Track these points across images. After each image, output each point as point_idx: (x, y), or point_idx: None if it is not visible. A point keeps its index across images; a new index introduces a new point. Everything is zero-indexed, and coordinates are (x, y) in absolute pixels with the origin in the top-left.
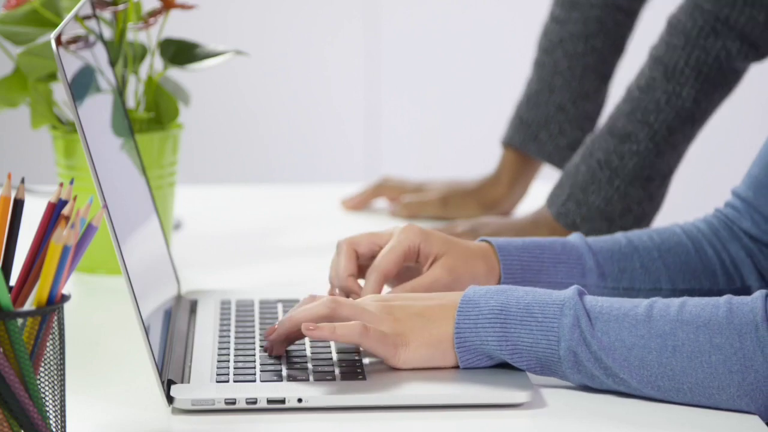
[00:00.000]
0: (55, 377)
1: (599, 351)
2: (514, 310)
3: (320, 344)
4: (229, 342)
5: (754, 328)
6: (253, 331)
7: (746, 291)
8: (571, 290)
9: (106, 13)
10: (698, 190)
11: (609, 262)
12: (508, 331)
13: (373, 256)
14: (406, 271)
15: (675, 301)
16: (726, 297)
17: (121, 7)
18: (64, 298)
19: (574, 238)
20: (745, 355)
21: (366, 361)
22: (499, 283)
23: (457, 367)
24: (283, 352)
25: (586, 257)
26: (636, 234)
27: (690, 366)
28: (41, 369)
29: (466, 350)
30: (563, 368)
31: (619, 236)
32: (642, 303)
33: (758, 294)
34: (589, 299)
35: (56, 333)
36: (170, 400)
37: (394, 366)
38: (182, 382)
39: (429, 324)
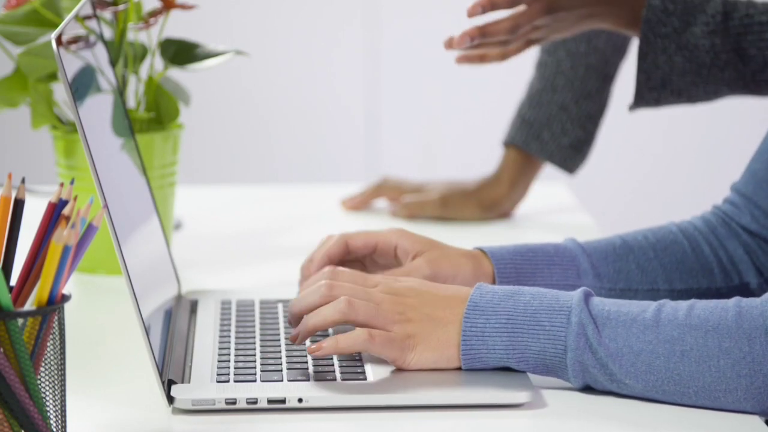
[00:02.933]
0: (56, 377)
1: (606, 358)
2: (521, 318)
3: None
4: (229, 342)
5: (764, 332)
6: (254, 331)
7: (745, 288)
8: (578, 295)
9: (107, 13)
10: (698, 187)
11: (604, 264)
12: (516, 340)
13: (365, 252)
14: (385, 267)
15: (683, 305)
16: (735, 300)
17: (121, 7)
18: (65, 298)
19: (568, 242)
20: (755, 359)
21: (366, 361)
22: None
23: (459, 368)
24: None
25: (581, 259)
26: (631, 234)
27: (698, 370)
28: (41, 369)
29: (471, 357)
30: (568, 374)
31: (614, 237)
32: (650, 307)
33: (767, 297)
34: (597, 303)
35: (56, 333)
36: (171, 400)
37: (399, 368)
38: (183, 382)
39: (437, 328)
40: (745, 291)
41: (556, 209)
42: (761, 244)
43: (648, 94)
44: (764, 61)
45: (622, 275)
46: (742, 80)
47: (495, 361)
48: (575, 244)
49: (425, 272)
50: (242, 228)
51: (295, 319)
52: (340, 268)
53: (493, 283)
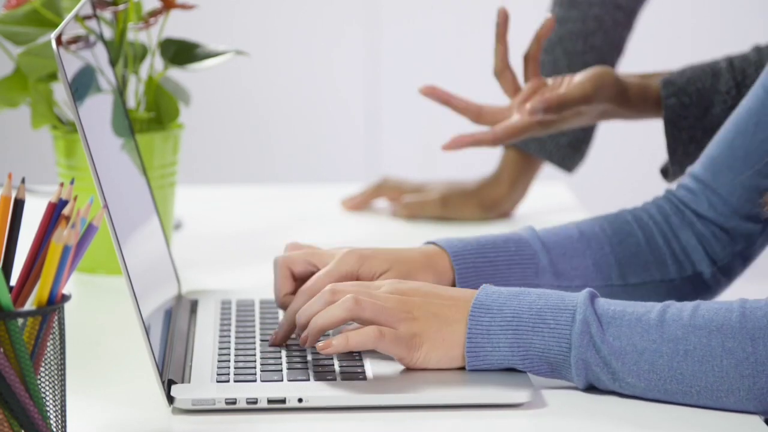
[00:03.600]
0: (56, 377)
1: (609, 356)
2: (526, 316)
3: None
4: (229, 342)
5: (767, 333)
6: (254, 331)
7: (698, 277)
8: (584, 294)
9: (107, 13)
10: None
11: (562, 260)
12: (520, 338)
13: (308, 276)
14: None
15: (688, 305)
16: (739, 300)
17: (121, 7)
18: (65, 298)
19: (528, 233)
20: (758, 359)
21: (366, 361)
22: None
23: (461, 368)
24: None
25: (540, 256)
26: (587, 224)
27: (700, 370)
28: (41, 369)
29: (476, 355)
30: (572, 373)
31: (571, 228)
32: (655, 307)
33: None
34: (602, 303)
35: (56, 333)
36: (171, 400)
37: (406, 366)
38: (183, 382)
39: (443, 326)
40: (698, 280)
41: (556, 209)
42: (716, 231)
43: (682, 173)
44: None
45: (579, 272)
46: None
47: (499, 360)
48: (535, 238)
49: None
50: (242, 228)
51: (302, 329)
52: (341, 284)
53: (453, 284)
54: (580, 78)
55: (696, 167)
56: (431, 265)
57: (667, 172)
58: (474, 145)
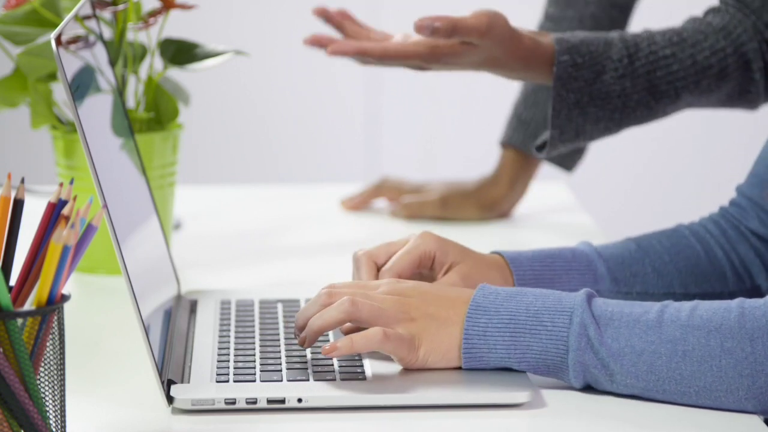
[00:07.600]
0: (55, 377)
1: (607, 358)
2: (523, 318)
3: (320, 344)
4: (229, 342)
5: (767, 333)
6: (253, 331)
7: (756, 291)
8: (581, 295)
9: (106, 13)
10: (697, 185)
11: (620, 268)
12: (517, 340)
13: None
14: (419, 278)
15: (686, 305)
16: (738, 300)
17: (121, 7)
18: (64, 298)
19: (584, 246)
20: (756, 359)
21: (366, 361)
22: None
23: (459, 367)
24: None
25: (597, 263)
26: (644, 238)
27: (699, 370)
28: (41, 369)
29: (472, 356)
30: (569, 374)
31: (628, 242)
32: (653, 307)
33: None
34: (599, 303)
35: (56, 333)
36: (170, 400)
37: (405, 367)
38: (182, 382)
39: (441, 328)
40: (757, 294)
41: (556, 209)
42: None
43: (561, 146)
44: (675, 94)
45: (639, 279)
46: (653, 116)
47: (496, 361)
48: (591, 249)
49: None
50: (242, 228)
51: (299, 330)
52: (338, 283)
53: None
54: (474, 12)
55: (743, 184)
56: (498, 267)
57: (542, 147)
58: (359, 53)
